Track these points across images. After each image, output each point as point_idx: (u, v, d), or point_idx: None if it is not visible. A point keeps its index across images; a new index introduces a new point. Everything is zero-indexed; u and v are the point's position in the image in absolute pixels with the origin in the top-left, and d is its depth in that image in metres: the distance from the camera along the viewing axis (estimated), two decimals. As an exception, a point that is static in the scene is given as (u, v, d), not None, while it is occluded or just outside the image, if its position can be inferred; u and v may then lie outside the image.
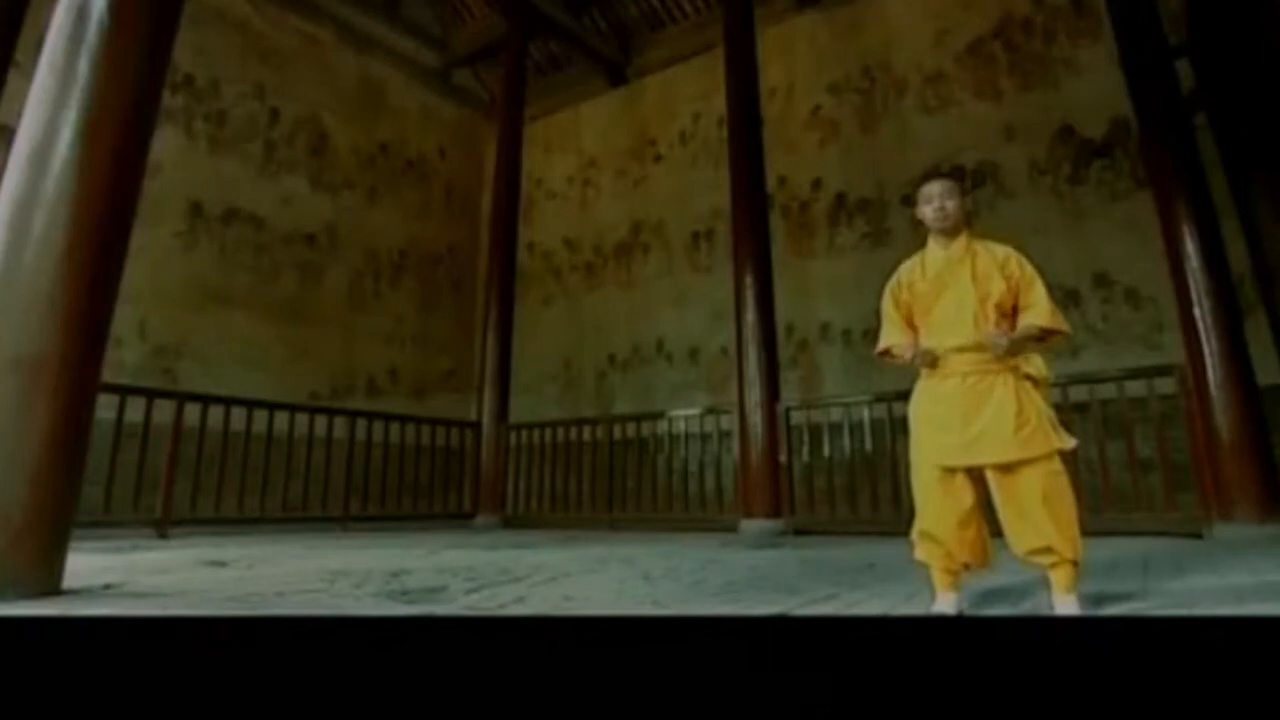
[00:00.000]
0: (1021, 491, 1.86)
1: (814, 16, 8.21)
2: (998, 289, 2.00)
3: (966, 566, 1.97)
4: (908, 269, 2.18)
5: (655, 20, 9.47)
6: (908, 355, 2.06)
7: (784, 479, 5.59)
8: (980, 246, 2.10)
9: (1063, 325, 2.00)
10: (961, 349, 1.98)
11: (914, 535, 2.00)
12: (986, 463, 1.89)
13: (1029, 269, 2.04)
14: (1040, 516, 1.83)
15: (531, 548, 4.26)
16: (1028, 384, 1.93)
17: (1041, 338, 2.00)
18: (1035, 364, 1.97)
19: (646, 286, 8.84)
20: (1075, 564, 1.84)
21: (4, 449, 2.16)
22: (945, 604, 1.94)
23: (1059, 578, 1.84)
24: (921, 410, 2.04)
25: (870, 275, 7.27)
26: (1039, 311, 1.98)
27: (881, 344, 2.20)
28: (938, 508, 1.95)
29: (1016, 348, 1.94)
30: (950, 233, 2.10)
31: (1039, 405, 1.91)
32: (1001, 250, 2.08)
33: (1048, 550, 1.83)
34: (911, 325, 2.15)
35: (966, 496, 1.93)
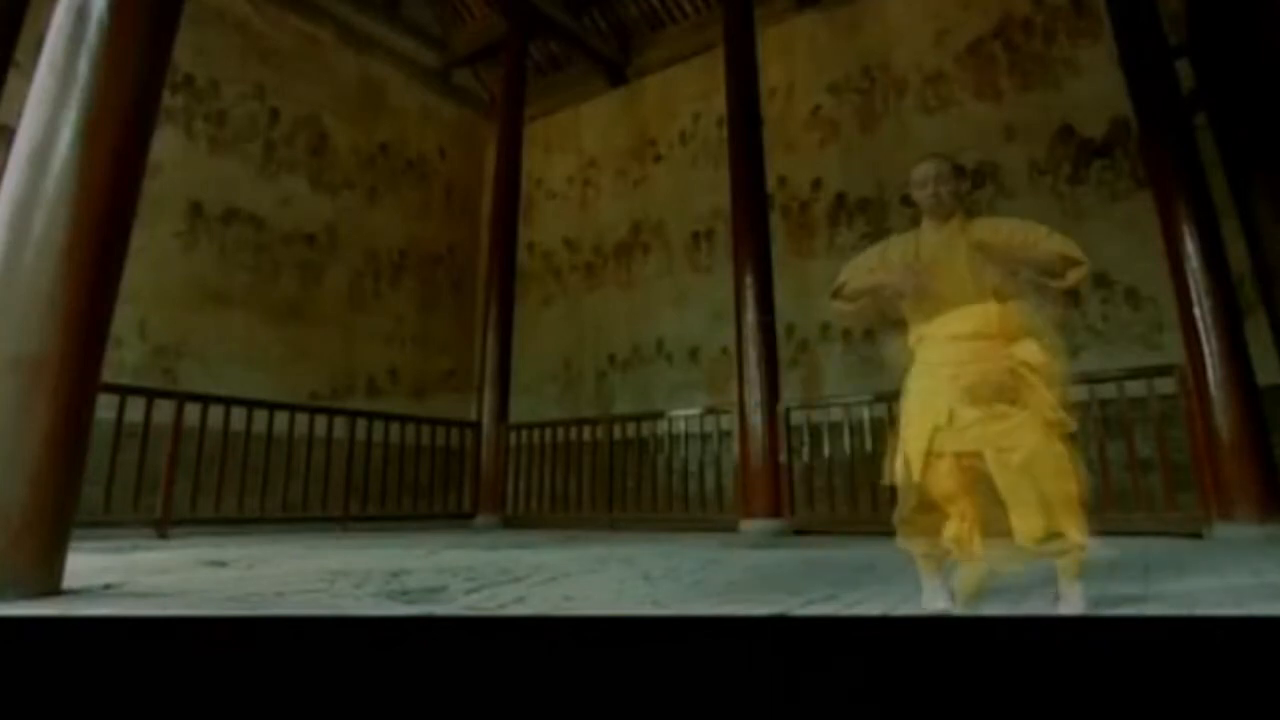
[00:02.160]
0: (1024, 476, 1.83)
1: (814, 16, 8.21)
2: (994, 272, 1.98)
3: (949, 554, 1.95)
4: (899, 245, 2.14)
5: (655, 20, 9.47)
6: (862, 304, 2.06)
7: (784, 479, 5.59)
8: (974, 227, 2.08)
9: (1075, 252, 1.99)
10: (957, 336, 1.96)
11: (896, 521, 1.97)
12: (982, 448, 1.87)
13: (1026, 224, 2.03)
14: (1044, 502, 1.80)
15: (531, 548, 4.26)
16: (1024, 369, 1.91)
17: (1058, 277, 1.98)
18: (1031, 350, 1.94)
19: (646, 286, 8.84)
20: (1083, 549, 1.81)
21: (4, 449, 2.16)
22: (934, 593, 1.93)
23: (1068, 566, 1.82)
24: (915, 395, 2.01)
25: (870, 275, 7.26)
26: (1048, 246, 1.97)
27: (840, 278, 2.17)
28: (924, 494, 1.93)
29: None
30: (944, 215, 2.08)
31: (1037, 390, 1.89)
32: (993, 224, 2.07)
33: (1056, 536, 1.80)
34: (883, 295, 2.13)
35: (952, 482, 1.90)
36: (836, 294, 2.18)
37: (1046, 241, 1.98)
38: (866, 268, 2.15)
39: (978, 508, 1.93)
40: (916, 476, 1.93)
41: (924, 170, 2.09)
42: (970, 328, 1.95)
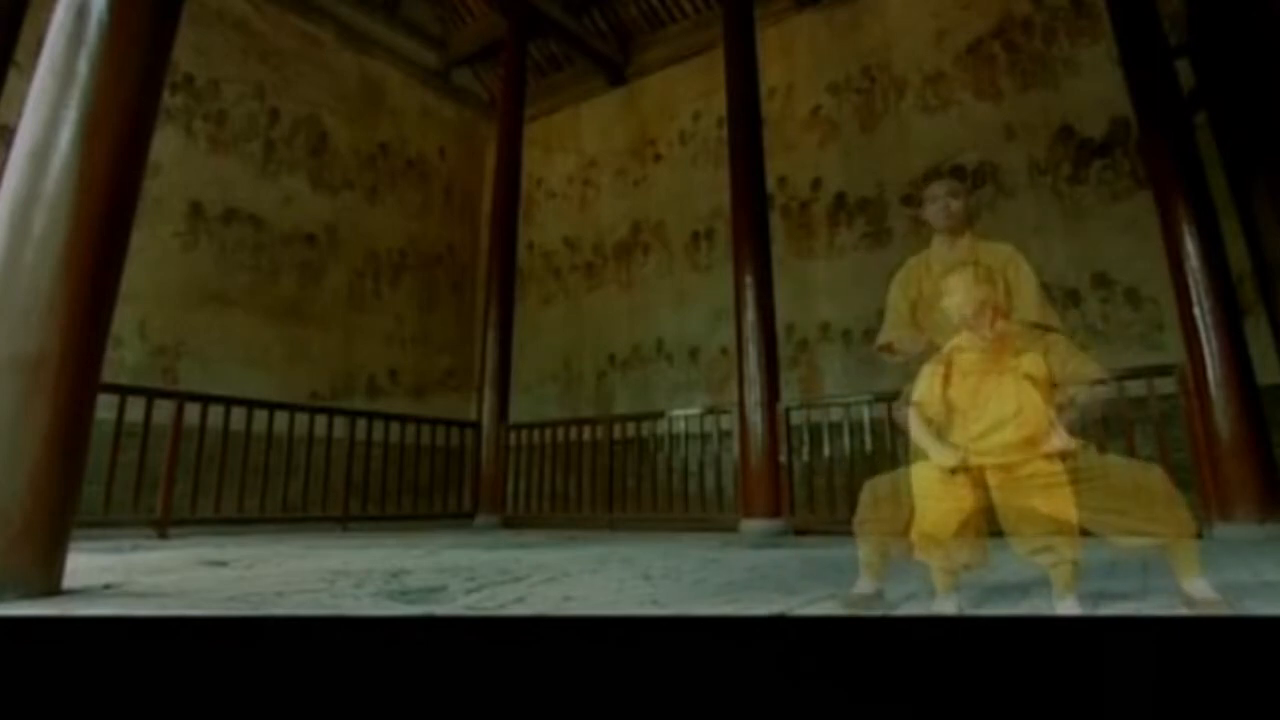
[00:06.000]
0: (1021, 492, 1.86)
1: (814, 16, 8.22)
2: (990, 298, 2.00)
3: (966, 567, 1.97)
4: (914, 266, 2.18)
5: (655, 20, 9.47)
6: (912, 349, 2.06)
7: (784, 479, 5.58)
8: (984, 247, 2.10)
9: (1052, 320, 2.00)
10: (965, 349, 1.98)
11: (913, 536, 1.99)
12: (987, 463, 1.89)
13: (1024, 270, 2.05)
14: (1040, 516, 1.83)
15: (531, 548, 4.26)
16: (1028, 384, 1.93)
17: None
18: (1035, 364, 1.96)
19: (646, 286, 8.84)
20: (1075, 563, 1.84)
21: (4, 449, 2.16)
22: (945, 604, 1.93)
23: (1059, 577, 1.85)
24: (922, 417, 2.04)
25: (870, 275, 7.32)
26: (1026, 309, 1.98)
27: (883, 338, 2.19)
28: (938, 509, 1.94)
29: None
30: (955, 232, 2.11)
31: (1039, 405, 1.91)
32: (1003, 251, 2.09)
33: (1047, 550, 1.83)
34: (916, 322, 2.15)
35: (967, 497, 1.92)
36: (887, 349, 2.22)
37: (1021, 310, 2.00)
38: (900, 319, 2.18)
39: (988, 520, 1.95)
40: (930, 491, 1.94)
41: (936, 189, 2.12)
42: (974, 343, 1.97)
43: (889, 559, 2.07)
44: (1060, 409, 1.89)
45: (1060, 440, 1.86)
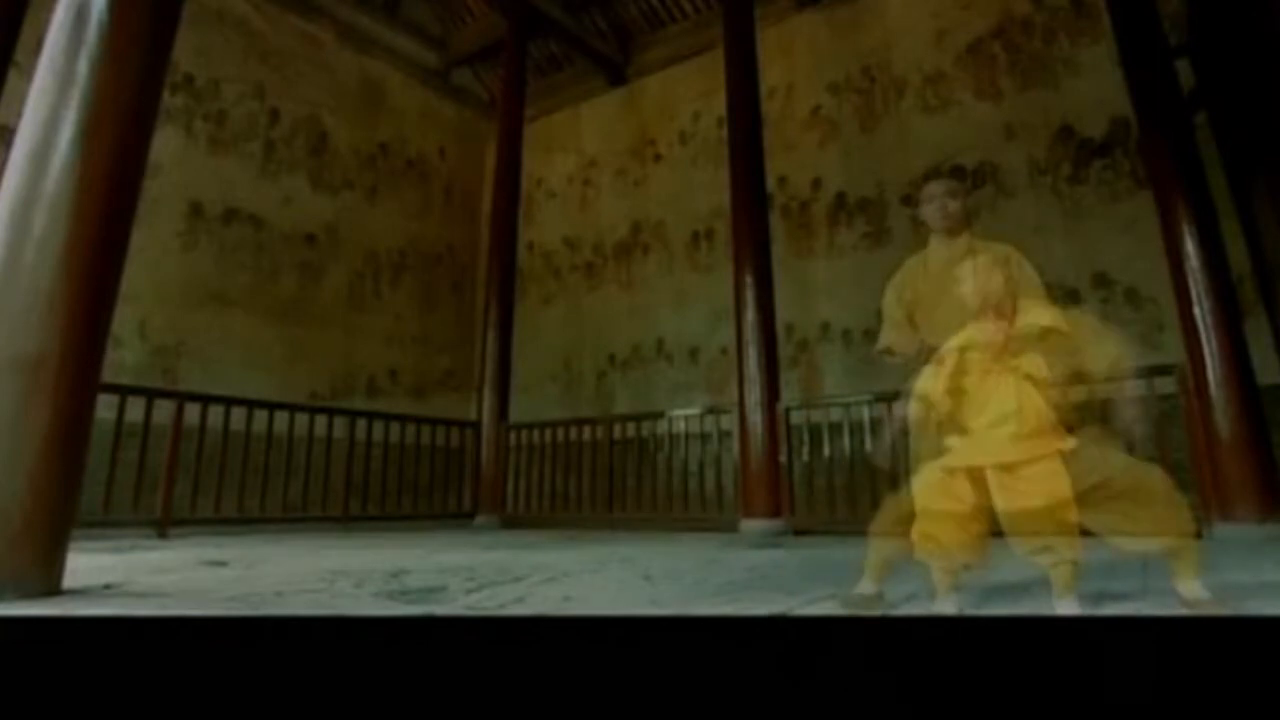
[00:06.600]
0: (1021, 492, 1.86)
1: (814, 16, 8.21)
2: (997, 290, 2.00)
3: (966, 567, 1.97)
4: (911, 267, 2.18)
5: (655, 20, 9.47)
6: (910, 350, 2.06)
7: (784, 479, 5.58)
8: (982, 246, 2.10)
9: (1062, 325, 1.99)
10: (964, 349, 1.98)
11: (914, 536, 1.99)
12: (987, 463, 1.89)
13: (1027, 269, 2.04)
14: (1040, 516, 1.82)
15: (531, 548, 4.26)
16: (1028, 384, 1.93)
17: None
18: (1035, 364, 1.96)
19: (646, 286, 8.84)
20: (1075, 564, 1.84)
21: (4, 449, 2.16)
22: (945, 604, 1.93)
23: (1059, 577, 1.84)
24: (922, 414, 2.04)
25: (870, 275, 7.30)
26: (1038, 312, 1.98)
27: (881, 342, 2.20)
28: (938, 508, 1.94)
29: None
30: (953, 232, 2.11)
31: (1039, 406, 1.90)
32: (1003, 250, 2.08)
33: (1047, 550, 1.83)
34: (913, 323, 2.15)
35: (967, 497, 1.92)
36: (886, 351, 2.23)
37: (1034, 312, 2.00)
38: (896, 322, 2.19)
39: (989, 520, 1.95)
40: (931, 491, 1.94)
41: (933, 189, 2.12)
42: (976, 341, 1.96)
43: (893, 565, 2.07)
44: (1111, 434, 1.88)
45: (1064, 442, 1.85)
